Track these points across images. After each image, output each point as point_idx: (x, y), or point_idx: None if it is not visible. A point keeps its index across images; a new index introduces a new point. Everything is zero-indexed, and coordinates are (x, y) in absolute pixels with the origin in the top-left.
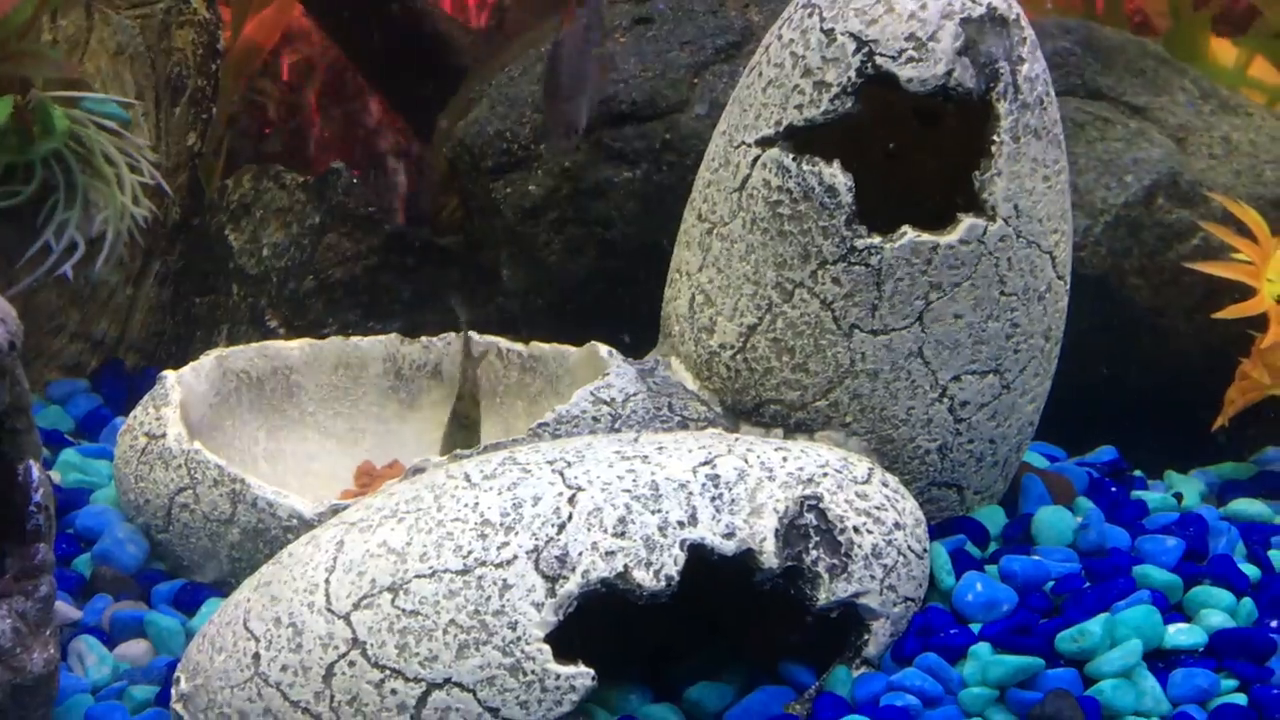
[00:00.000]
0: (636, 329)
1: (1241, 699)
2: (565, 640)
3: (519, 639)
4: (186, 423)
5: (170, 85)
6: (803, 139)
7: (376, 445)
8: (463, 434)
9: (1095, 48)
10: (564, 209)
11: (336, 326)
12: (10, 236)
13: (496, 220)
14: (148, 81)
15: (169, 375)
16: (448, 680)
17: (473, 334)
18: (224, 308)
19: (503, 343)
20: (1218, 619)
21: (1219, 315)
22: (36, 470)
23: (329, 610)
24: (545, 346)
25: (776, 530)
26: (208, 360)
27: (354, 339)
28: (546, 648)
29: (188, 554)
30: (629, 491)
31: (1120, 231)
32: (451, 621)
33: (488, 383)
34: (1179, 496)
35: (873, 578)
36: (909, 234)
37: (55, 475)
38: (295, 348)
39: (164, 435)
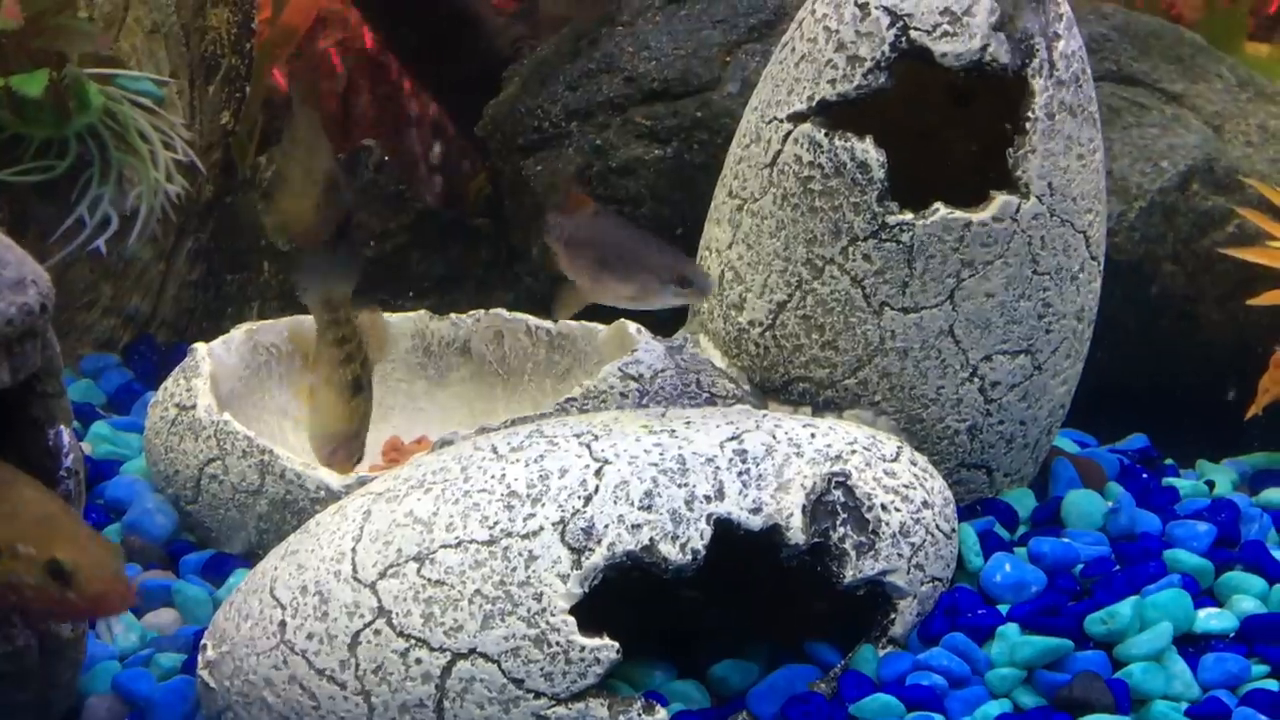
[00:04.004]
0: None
1: (1273, 684)
2: (591, 614)
3: (544, 610)
4: (216, 395)
5: (205, 64)
6: (835, 115)
7: (404, 420)
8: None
9: (1132, 34)
10: (595, 187)
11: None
12: (45, 211)
13: (526, 198)
14: (182, 60)
15: (199, 347)
16: (472, 650)
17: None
18: (255, 285)
19: (531, 320)
20: (1249, 604)
21: (1253, 302)
22: (67, 435)
23: (355, 579)
24: (573, 324)
25: (804, 506)
26: (238, 334)
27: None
28: (571, 619)
29: (216, 525)
30: (656, 465)
31: (1155, 217)
32: (477, 592)
33: (516, 360)
34: (1211, 484)
35: (900, 556)
36: (941, 210)
37: (86, 446)
38: None
39: (194, 406)
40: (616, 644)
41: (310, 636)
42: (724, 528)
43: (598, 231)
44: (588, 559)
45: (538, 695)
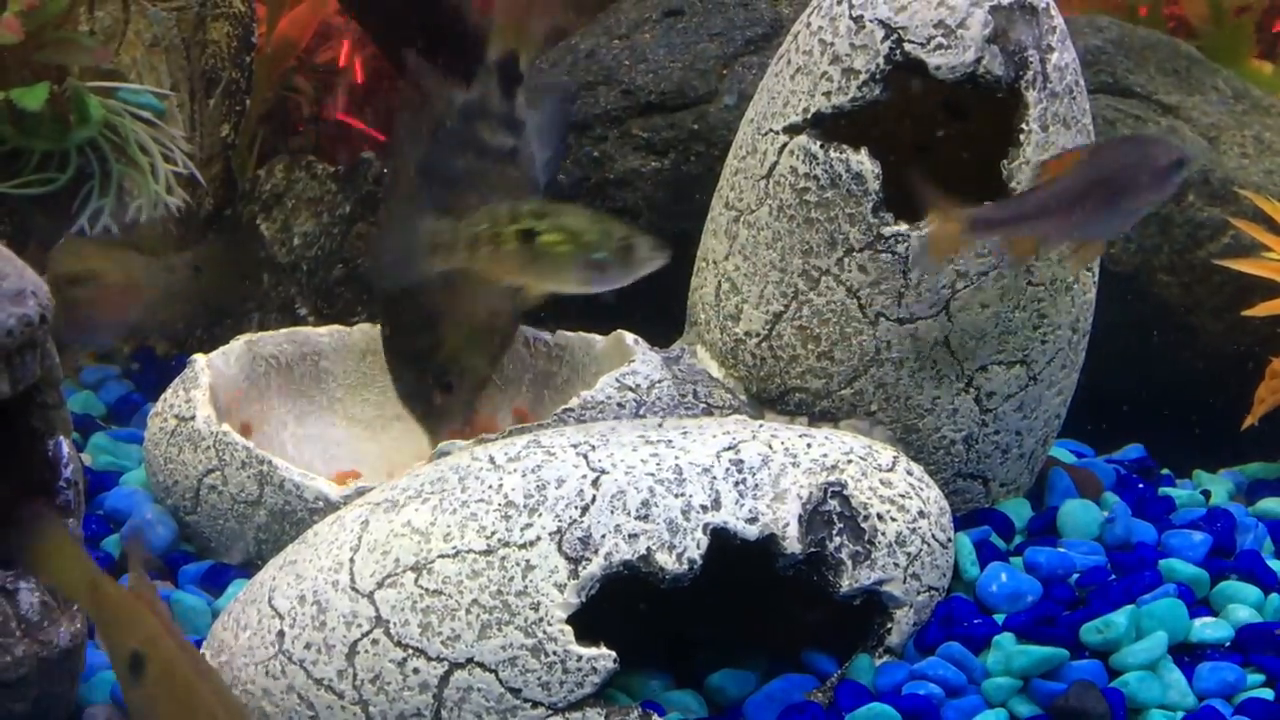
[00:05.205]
0: (663, 318)
1: (1268, 694)
2: (588, 624)
3: (541, 620)
4: (215, 406)
5: (205, 77)
6: (831, 127)
7: (403, 432)
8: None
9: (1127, 46)
10: (592, 198)
11: (366, 315)
12: (45, 223)
13: None
14: (182, 73)
15: (199, 358)
16: (470, 660)
17: None
18: (254, 296)
19: (529, 331)
20: (1245, 614)
21: (1249, 313)
22: (66, 446)
23: (353, 589)
24: (571, 335)
25: (800, 516)
26: (237, 345)
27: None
28: (568, 629)
29: (215, 535)
30: (653, 475)
31: (1150, 229)
32: (474, 601)
33: (515, 371)
34: (1207, 494)
35: (896, 565)
36: None
37: (86, 458)
38: (324, 334)
39: (193, 417)
40: (614, 653)
41: (308, 646)
42: (721, 537)
43: (1089, 169)
44: (585, 569)
45: (535, 705)
